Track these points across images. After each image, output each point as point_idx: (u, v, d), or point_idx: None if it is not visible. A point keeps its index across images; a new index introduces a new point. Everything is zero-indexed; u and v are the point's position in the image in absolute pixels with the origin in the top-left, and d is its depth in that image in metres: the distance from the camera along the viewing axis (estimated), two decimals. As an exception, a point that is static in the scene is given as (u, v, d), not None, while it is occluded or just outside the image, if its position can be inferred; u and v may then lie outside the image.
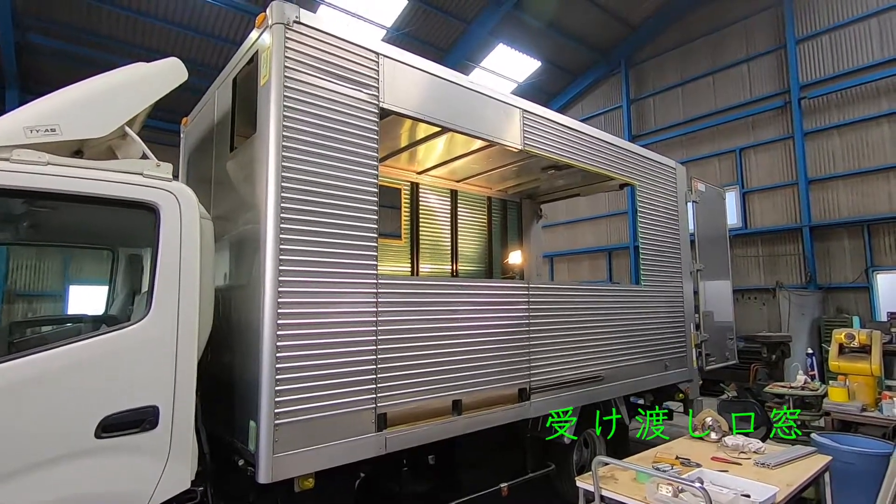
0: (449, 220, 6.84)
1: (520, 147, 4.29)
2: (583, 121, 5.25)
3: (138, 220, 2.51)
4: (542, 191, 7.40)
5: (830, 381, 5.46)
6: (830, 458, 3.49)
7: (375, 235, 3.19)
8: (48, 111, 2.39)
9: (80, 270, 12.10)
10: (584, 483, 3.04)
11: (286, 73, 2.86)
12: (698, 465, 3.20)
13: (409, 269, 6.36)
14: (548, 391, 4.21)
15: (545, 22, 13.61)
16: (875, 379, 5.14)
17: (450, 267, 6.81)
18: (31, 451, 2.07)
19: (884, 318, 9.96)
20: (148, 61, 2.86)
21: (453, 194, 6.86)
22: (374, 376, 3.08)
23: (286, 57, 2.87)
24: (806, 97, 11.69)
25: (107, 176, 2.40)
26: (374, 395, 3.07)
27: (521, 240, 7.66)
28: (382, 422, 3.09)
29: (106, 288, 3.50)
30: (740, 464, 3.33)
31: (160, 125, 9.14)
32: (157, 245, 2.47)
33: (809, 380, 6.59)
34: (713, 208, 6.78)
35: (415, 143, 5.07)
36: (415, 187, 6.43)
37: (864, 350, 5.26)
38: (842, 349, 5.42)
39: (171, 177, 2.60)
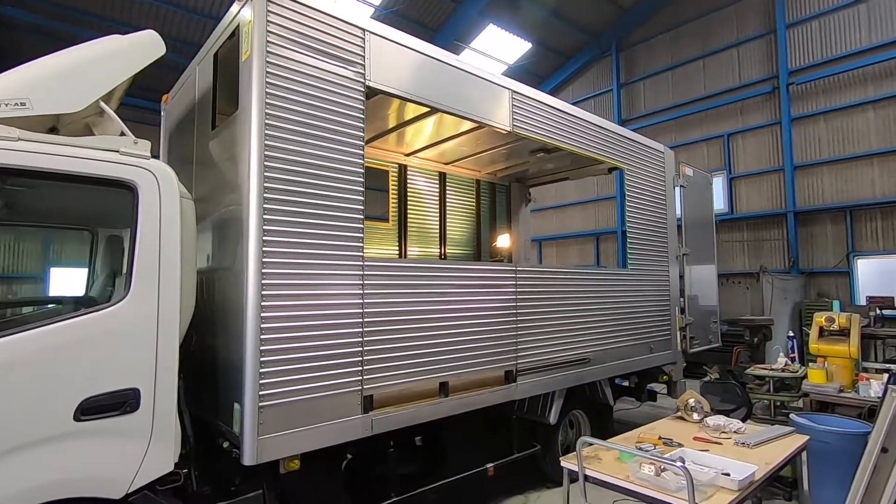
0: (437, 202, 6.79)
1: (508, 129, 4.25)
2: (573, 104, 5.20)
3: (116, 199, 2.44)
4: (531, 174, 7.37)
5: (810, 364, 5.58)
6: (808, 437, 3.57)
7: (361, 217, 3.15)
8: (18, 84, 2.29)
9: (58, 251, 11.81)
10: (568, 463, 3.08)
11: (268, 49, 2.77)
12: (680, 445, 3.26)
13: (397, 252, 6.32)
14: (534, 373, 4.25)
15: (537, 2, 13.42)
16: (853, 361, 5.26)
17: (438, 250, 6.78)
18: (9, 436, 2.03)
19: (863, 302, 10.18)
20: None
21: (442, 177, 6.80)
22: (361, 358, 3.07)
23: (268, 31, 2.78)
24: (794, 83, 11.73)
25: (81, 153, 2.32)
26: (360, 378, 3.06)
27: (509, 223, 7.65)
28: (369, 404, 3.09)
29: (85, 269, 3.42)
30: (721, 443, 3.39)
31: (142, 104, 8.91)
32: (135, 225, 2.40)
33: (790, 362, 6.74)
34: (700, 193, 6.82)
35: (403, 124, 4.98)
36: (403, 169, 6.36)
37: (844, 333, 5.37)
38: (822, 332, 5.53)
39: (149, 154, 2.52)
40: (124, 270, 2.44)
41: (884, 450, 2.34)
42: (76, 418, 2.16)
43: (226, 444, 2.81)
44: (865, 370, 5.64)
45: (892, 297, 9.28)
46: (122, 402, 2.27)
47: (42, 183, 2.36)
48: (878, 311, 8.73)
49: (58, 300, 3.63)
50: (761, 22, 12.49)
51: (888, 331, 8.27)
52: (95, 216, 3.21)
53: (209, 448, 2.87)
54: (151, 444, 2.35)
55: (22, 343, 2.10)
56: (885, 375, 4.82)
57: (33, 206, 2.87)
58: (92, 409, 2.19)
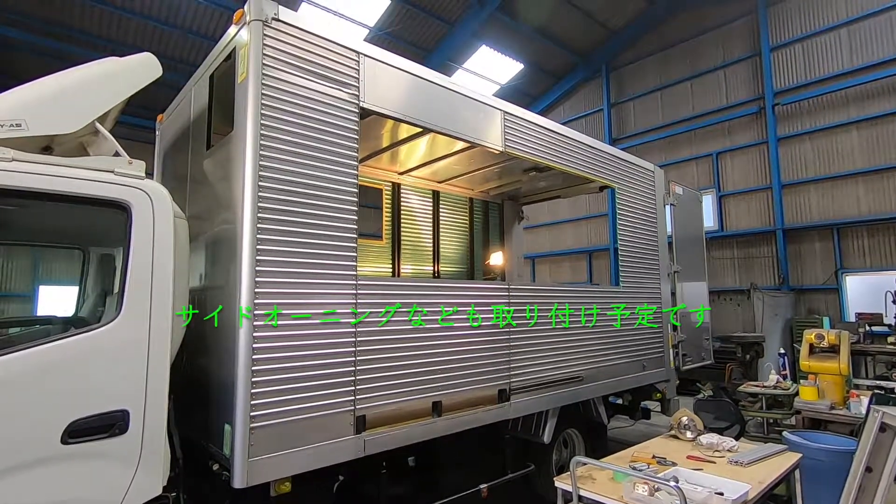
0: (431, 220, 6.82)
1: (501, 149, 4.31)
2: (564, 124, 5.30)
3: (109, 219, 2.44)
4: (523, 192, 7.44)
5: (801, 381, 5.61)
6: (800, 455, 3.58)
7: (355, 236, 3.16)
8: (14, 105, 2.31)
9: (49, 270, 11.74)
10: (562, 483, 3.06)
11: (264, 71, 2.82)
12: (674, 464, 3.25)
13: (391, 270, 6.32)
14: (528, 392, 4.23)
15: (528, 25, 13.71)
16: (843, 378, 5.30)
17: (431, 268, 6.80)
18: (-7, 458, 1.99)
19: (852, 318, 10.27)
20: (122, 56, 2.79)
21: (435, 195, 6.85)
22: (353, 378, 3.05)
23: (264, 54, 2.82)
24: (779, 103, 12.01)
25: (76, 173, 2.33)
26: (352, 398, 3.04)
27: (502, 241, 7.69)
28: (361, 424, 3.06)
29: (76, 289, 3.40)
30: (714, 462, 3.39)
31: (136, 122, 8.95)
32: (128, 245, 2.40)
33: (781, 379, 6.78)
34: (690, 211, 6.91)
35: (396, 144, 5.04)
36: (396, 188, 6.40)
37: (833, 350, 5.42)
38: (812, 349, 5.57)
39: (143, 175, 2.53)
40: (116, 290, 2.43)
41: (868, 469, 2.34)
42: (63, 441, 2.12)
43: (215, 467, 2.76)
44: (857, 387, 5.68)
45: (881, 314, 9.37)
46: (111, 425, 2.24)
47: (35, 203, 2.36)
48: (867, 328, 8.82)
49: (47, 320, 3.59)
50: (746, 45, 12.84)
51: (877, 347, 8.34)
52: (88, 236, 3.21)
53: (198, 470, 2.82)
54: (140, 468, 2.31)
55: (9, 364, 2.07)
56: (870, 394, 4.85)
57: (26, 226, 2.86)
58: (80, 431, 2.16)
